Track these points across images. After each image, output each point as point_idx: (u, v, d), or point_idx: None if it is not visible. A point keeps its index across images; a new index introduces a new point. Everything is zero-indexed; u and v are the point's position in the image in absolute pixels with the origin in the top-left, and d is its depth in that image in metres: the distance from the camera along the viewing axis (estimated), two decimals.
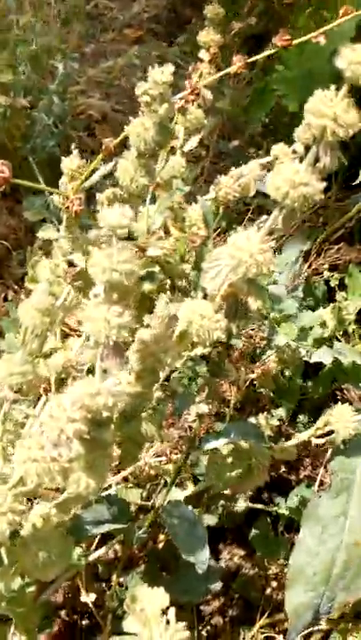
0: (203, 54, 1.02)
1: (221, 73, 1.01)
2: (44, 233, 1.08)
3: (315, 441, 0.84)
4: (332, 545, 0.83)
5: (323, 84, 0.55)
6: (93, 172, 0.77)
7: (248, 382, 1.15)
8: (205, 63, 1.01)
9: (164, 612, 0.63)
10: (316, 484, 1.22)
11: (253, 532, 1.15)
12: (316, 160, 0.53)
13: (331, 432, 0.84)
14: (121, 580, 1.09)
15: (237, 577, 1.32)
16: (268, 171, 1.11)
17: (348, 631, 1.03)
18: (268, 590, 1.28)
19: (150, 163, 0.73)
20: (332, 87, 0.49)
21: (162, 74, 0.67)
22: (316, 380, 1.26)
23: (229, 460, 0.85)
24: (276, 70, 1.93)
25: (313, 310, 1.13)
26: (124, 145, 0.76)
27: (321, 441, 0.84)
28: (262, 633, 1.17)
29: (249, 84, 2.56)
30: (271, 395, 1.18)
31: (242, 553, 1.37)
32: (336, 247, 1.44)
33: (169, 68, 0.67)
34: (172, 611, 0.64)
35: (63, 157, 0.94)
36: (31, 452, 0.51)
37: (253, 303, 0.62)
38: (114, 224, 0.45)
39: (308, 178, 0.53)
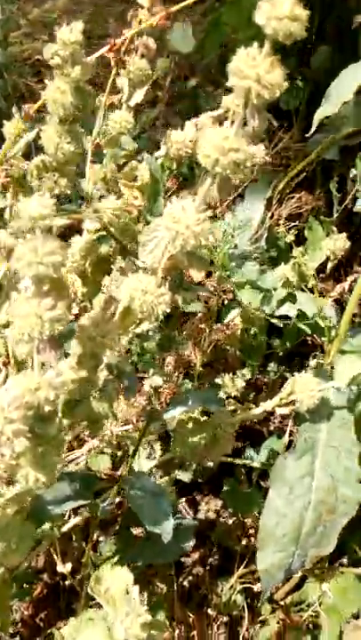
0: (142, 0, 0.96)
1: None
2: None
3: (279, 411, 0.83)
4: (300, 505, 0.83)
5: None
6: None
7: (214, 343, 1.13)
8: (145, 10, 0.95)
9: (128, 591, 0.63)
10: (286, 435, 1.22)
11: (225, 488, 1.15)
12: (245, 124, 0.50)
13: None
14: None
15: (216, 527, 1.33)
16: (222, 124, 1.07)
17: (322, 578, 1.05)
18: (246, 540, 1.30)
19: (75, 127, 0.69)
20: (255, 45, 0.46)
21: (70, 32, 0.62)
22: (282, 334, 1.24)
23: (193, 429, 0.84)
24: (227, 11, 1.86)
25: (276, 262, 1.11)
26: None
27: (285, 411, 0.83)
28: (242, 583, 1.19)
29: (204, 16, 2.48)
30: (238, 353, 1.17)
31: (219, 503, 1.38)
32: (297, 196, 1.41)
33: (78, 26, 0.63)
34: (136, 589, 0.64)
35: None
36: None
37: (196, 274, 0.59)
38: (34, 215, 0.42)
39: (238, 143, 0.50)
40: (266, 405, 0.85)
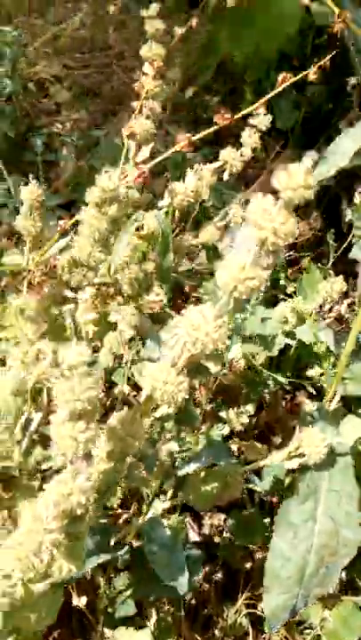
0: (147, 68, 1.00)
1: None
2: (9, 258, 1.10)
3: (288, 465, 0.89)
4: (304, 548, 0.89)
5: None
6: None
7: (218, 381, 1.19)
8: (149, 77, 1.00)
9: None
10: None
11: (230, 521, 1.22)
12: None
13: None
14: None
15: (220, 544, 1.39)
16: (221, 173, 1.12)
17: (324, 604, 1.11)
18: (251, 562, 1.36)
19: (108, 242, 0.74)
20: (270, 198, 0.51)
21: (109, 180, 0.67)
22: (281, 363, 1.30)
23: (205, 478, 0.90)
24: (223, 28, 1.90)
25: (275, 302, 1.16)
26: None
27: (294, 465, 0.89)
28: (247, 606, 1.26)
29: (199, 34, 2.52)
30: (241, 385, 1.23)
31: (222, 517, 1.44)
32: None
33: (115, 174, 0.67)
34: None
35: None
36: (16, 552, 0.55)
37: (213, 367, 0.65)
38: (74, 363, 0.48)
39: (253, 272, 0.55)
40: (274, 458, 0.91)
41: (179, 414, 0.80)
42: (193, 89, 2.56)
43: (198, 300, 1.50)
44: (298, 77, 0.95)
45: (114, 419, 0.62)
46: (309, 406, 1.45)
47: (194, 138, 0.93)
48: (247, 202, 0.57)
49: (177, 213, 1.12)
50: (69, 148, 2.05)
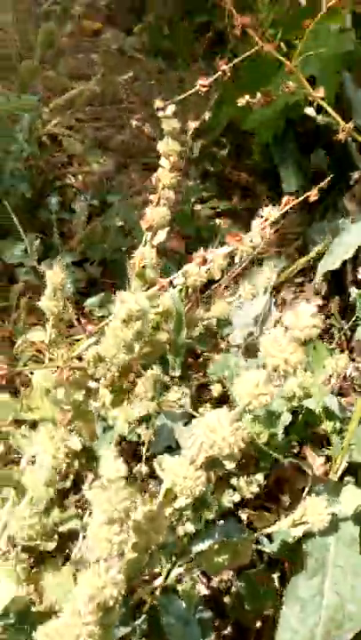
0: (163, 162, 1.08)
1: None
2: (32, 334, 1.16)
3: (294, 533, 0.95)
4: (312, 622, 0.95)
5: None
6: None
7: None
8: (166, 171, 1.07)
9: None
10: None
11: (240, 584, 1.26)
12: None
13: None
14: None
15: (230, 606, 1.43)
16: (232, 259, 1.19)
17: None
18: (261, 622, 1.39)
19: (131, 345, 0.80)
20: (281, 330, 0.57)
21: (136, 303, 0.73)
22: (290, 430, 1.36)
23: (218, 550, 0.95)
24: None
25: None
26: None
27: (299, 532, 0.95)
28: None
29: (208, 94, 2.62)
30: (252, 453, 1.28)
31: (231, 573, 1.48)
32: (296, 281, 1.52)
33: (142, 296, 0.74)
34: None
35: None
36: None
37: (229, 464, 0.71)
38: (111, 478, 0.54)
39: (266, 389, 0.62)
40: (281, 524, 0.97)
41: (196, 503, 0.86)
42: (202, 142, 2.66)
43: (208, 360, 1.57)
44: (300, 199, 1.02)
45: (139, 514, 0.68)
46: (317, 462, 1.51)
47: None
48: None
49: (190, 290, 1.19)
50: (82, 206, 2.13)
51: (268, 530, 1.00)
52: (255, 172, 2.39)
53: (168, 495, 0.72)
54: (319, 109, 1.03)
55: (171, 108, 1.04)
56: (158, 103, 1.12)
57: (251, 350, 1.49)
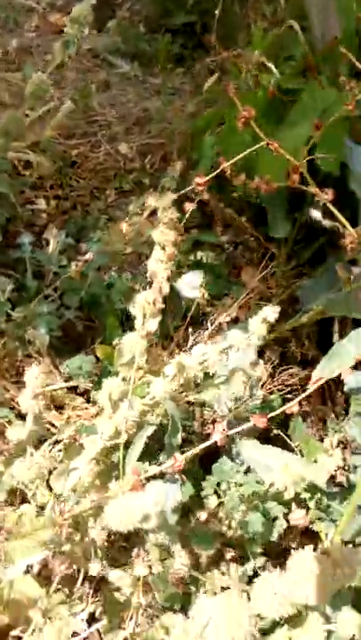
0: (157, 252, 1.00)
1: None
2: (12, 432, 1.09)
3: None
4: None
5: None
6: None
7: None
8: (161, 264, 0.99)
9: None
10: None
11: None
12: None
13: None
14: None
15: None
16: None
17: None
18: None
19: None
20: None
21: None
22: None
23: None
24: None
25: None
26: None
27: None
28: None
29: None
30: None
31: None
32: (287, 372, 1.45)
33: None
34: None
35: None
36: None
37: None
38: None
39: None
40: None
41: None
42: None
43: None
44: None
45: None
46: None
47: None
48: None
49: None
50: (58, 247, 1.99)
51: None
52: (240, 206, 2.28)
53: None
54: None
55: (169, 197, 0.97)
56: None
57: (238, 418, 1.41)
